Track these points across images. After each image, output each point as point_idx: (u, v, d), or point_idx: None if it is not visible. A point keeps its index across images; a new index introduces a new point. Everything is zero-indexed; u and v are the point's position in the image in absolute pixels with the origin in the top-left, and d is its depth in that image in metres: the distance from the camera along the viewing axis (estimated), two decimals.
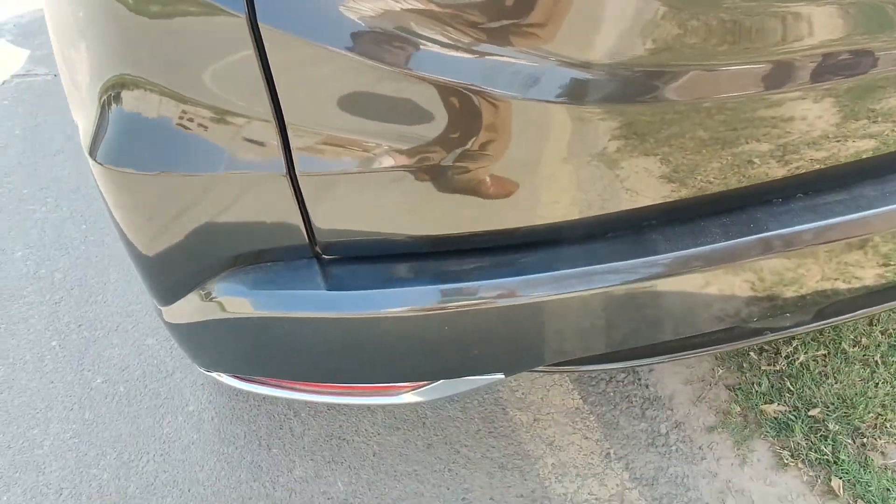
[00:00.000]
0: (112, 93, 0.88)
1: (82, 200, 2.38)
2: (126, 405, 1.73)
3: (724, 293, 1.00)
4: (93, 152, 0.92)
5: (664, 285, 0.97)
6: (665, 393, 1.66)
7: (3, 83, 3.10)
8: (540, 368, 1.08)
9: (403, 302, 0.93)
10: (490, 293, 0.93)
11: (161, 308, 1.08)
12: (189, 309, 1.03)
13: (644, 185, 0.93)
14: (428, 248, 0.95)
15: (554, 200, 0.92)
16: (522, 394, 1.67)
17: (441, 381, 1.03)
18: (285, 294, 0.94)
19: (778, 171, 0.95)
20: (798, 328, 1.13)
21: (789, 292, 1.02)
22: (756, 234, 0.96)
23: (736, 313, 1.03)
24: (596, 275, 0.94)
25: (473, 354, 1.00)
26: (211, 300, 0.99)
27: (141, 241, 0.98)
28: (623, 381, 1.69)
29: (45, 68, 3.18)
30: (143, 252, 1.00)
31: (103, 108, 0.90)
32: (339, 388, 1.12)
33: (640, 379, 1.69)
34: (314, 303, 0.93)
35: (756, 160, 0.93)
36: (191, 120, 0.85)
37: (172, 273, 1.01)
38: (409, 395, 1.09)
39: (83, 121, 0.97)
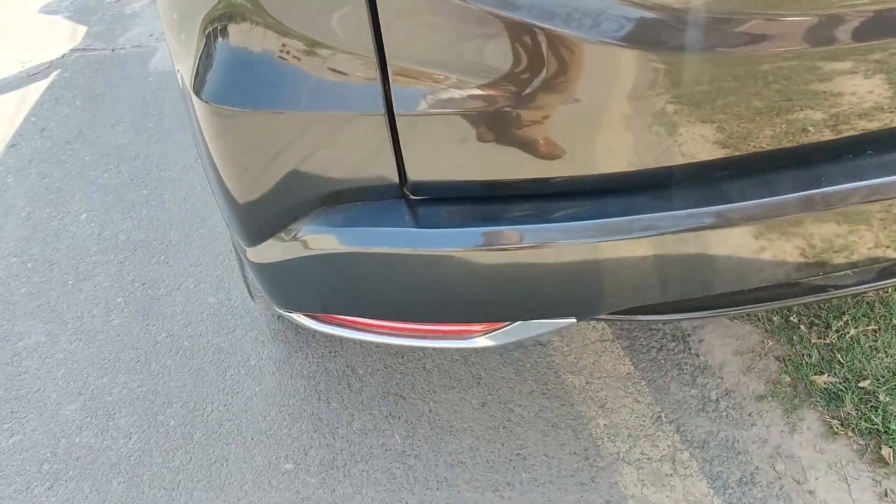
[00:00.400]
0: (218, 25, 0.93)
1: (142, 167, 2.46)
2: (190, 358, 1.80)
3: (793, 246, 1.03)
4: (198, 90, 0.97)
5: (735, 235, 1.01)
6: (715, 362, 1.69)
7: (62, 57, 3.19)
8: (612, 316, 1.11)
9: (487, 241, 0.97)
10: (569, 235, 0.97)
11: (247, 248, 1.14)
12: (277, 247, 1.08)
13: (719, 137, 0.96)
14: (509, 190, 0.99)
15: (632, 148, 0.96)
16: (574, 358, 1.71)
17: (517, 322, 1.07)
18: (375, 231, 0.99)
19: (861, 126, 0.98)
20: (860, 286, 1.16)
21: (855, 249, 1.05)
22: (826, 187, 0.99)
23: (803, 266, 1.06)
24: (671, 220, 0.98)
25: (550, 295, 1.04)
26: (301, 238, 1.04)
27: (237, 180, 1.04)
28: (673, 350, 1.72)
29: (102, 43, 3.27)
30: (237, 191, 1.05)
31: (208, 41, 0.95)
32: (413, 331, 1.16)
33: (689, 348, 1.72)
34: (404, 239, 0.98)
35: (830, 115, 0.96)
36: (294, 57, 0.90)
37: (264, 212, 1.06)
38: (481, 339, 1.13)
39: (185, 62, 1.02)
